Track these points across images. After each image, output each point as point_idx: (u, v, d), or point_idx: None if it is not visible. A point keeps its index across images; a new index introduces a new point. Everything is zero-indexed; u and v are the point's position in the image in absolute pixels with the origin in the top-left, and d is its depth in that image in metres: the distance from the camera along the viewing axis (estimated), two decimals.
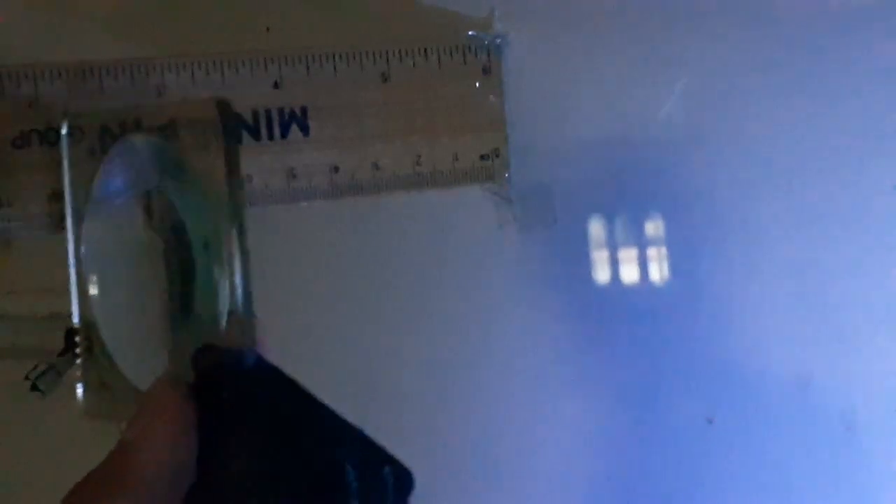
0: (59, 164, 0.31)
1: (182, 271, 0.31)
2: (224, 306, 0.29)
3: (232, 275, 0.28)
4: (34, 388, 0.38)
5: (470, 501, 0.46)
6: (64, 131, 0.32)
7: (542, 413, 0.46)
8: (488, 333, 0.45)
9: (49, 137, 0.34)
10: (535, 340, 0.46)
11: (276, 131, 0.39)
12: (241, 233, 0.28)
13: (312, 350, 0.42)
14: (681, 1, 0.46)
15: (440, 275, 0.44)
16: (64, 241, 0.32)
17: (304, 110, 0.39)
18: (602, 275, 0.46)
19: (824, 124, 0.48)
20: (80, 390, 0.31)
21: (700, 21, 0.46)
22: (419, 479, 0.44)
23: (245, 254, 0.28)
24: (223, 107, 0.29)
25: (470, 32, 0.42)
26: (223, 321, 0.29)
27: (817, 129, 0.48)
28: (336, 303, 0.43)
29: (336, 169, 0.40)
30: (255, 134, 0.39)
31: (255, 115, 0.39)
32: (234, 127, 0.29)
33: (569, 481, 0.47)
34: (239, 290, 0.28)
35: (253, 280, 0.41)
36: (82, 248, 0.31)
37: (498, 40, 0.42)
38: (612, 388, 0.47)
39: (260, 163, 0.39)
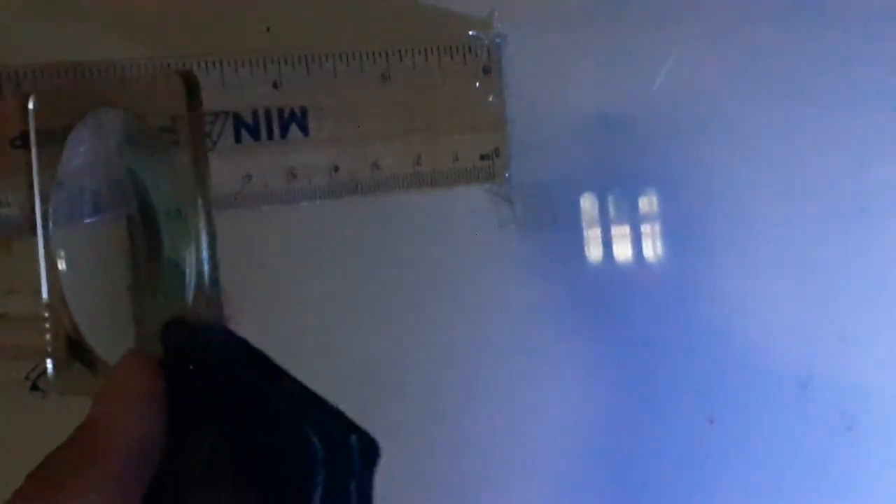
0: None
1: (148, 246, 0.31)
2: (191, 280, 0.28)
3: (198, 249, 0.28)
4: (34, 387, 0.38)
5: (468, 499, 0.46)
6: (31, 106, 0.31)
7: (541, 413, 0.46)
8: (488, 333, 0.45)
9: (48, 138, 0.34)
10: (534, 340, 0.46)
11: (276, 131, 0.39)
12: (207, 206, 0.28)
13: (312, 350, 0.42)
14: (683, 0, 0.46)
15: (440, 275, 0.44)
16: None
17: (303, 110, 0.39)
18: (602, 274, 0.46)
19: (823, 117, 0.48)
20: (49, 367, 0.31)
21: (701, 20, 0.46)
22: (418, 476, 0.44)
23: (211, 226, 0.28)
24: (187, 78, 0.28)
25: (470, 32, 0.42)
26: (190, 295, 0.28)
27: (816, 123, 0.48)
28: (336, 303, 0.43)
29: (336, 169, 0.40)
30: (255, 134, 0.39)
31: (255, 114, 0.39)
32: (198, 97, 0.28)
33: (568, 481, 0.47)
34: (206, 264, 0.28)
35: (252, 279, 0.41)
36: (50, 224, 0.31)
37: (498, 40, 0.42)
38: (611, 388, 0.47)
39: (259, 163, 0.39)
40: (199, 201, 0.28)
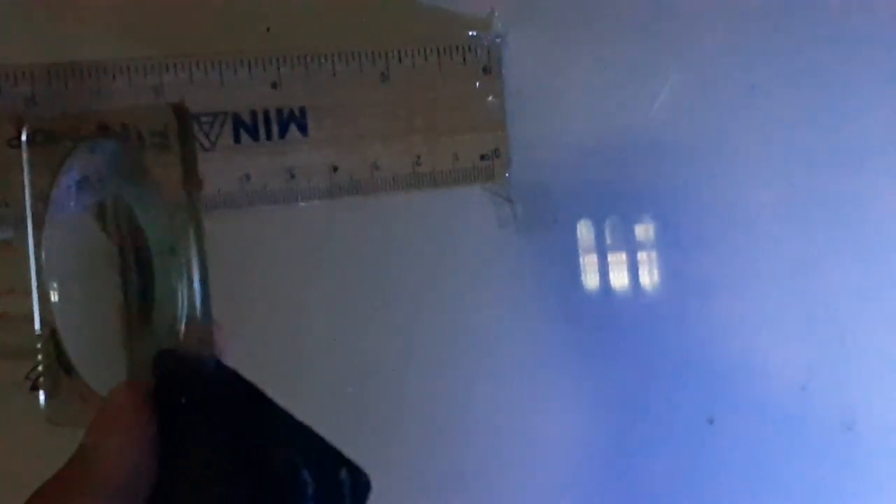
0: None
1: (140, 277, 0.31)
2: (183, 312, 0.29)
3: (190, 280, 0.28)
4: (34, 388, 0.38)
5: (468, 499, 0.46)
6: (24, 137, 0.31)
7: (541, 413, 0.46)
8: (487, 333, 0.45)
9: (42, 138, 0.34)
10: (534, 340, 0.46)
11: (275, 131, 0.39)
12: (199, 238, 0.28)
13: (311, 350, 0.42)
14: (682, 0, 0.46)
15: (440, 275, 0.44)
16: None
17: (302, 110, 0.39)
18: (601, 275, 0.46)
19: (822, 123, 0.48)
20: (42, 397, 0.31)
21: (700, 20, 0.46)
22: (418, 476, 0.44)
23: (203, 259, 0.28)
24: (179, 110, 0.29)
25: (470, 32, 0.42)
26: (182, 327, 0.29)
27: (815, 127, 0.48)
28: (335, 303, 0.43)
29: (335, 169, 0.40)
30: (254, 134, 0.39)
31: (254, 115, 0.39)
32: (190, 130, 0.29)
33: (569, 482, 0.47)
34: (197, 296, 0.28)
35: (251, 279, 0.41)
36: (42, 254, 0.31)
37: (498, 40, 0.42)
38: (612, 388, 0.47)
39: (258, 163, 0.39)
40: (192, 234, 0.28)
